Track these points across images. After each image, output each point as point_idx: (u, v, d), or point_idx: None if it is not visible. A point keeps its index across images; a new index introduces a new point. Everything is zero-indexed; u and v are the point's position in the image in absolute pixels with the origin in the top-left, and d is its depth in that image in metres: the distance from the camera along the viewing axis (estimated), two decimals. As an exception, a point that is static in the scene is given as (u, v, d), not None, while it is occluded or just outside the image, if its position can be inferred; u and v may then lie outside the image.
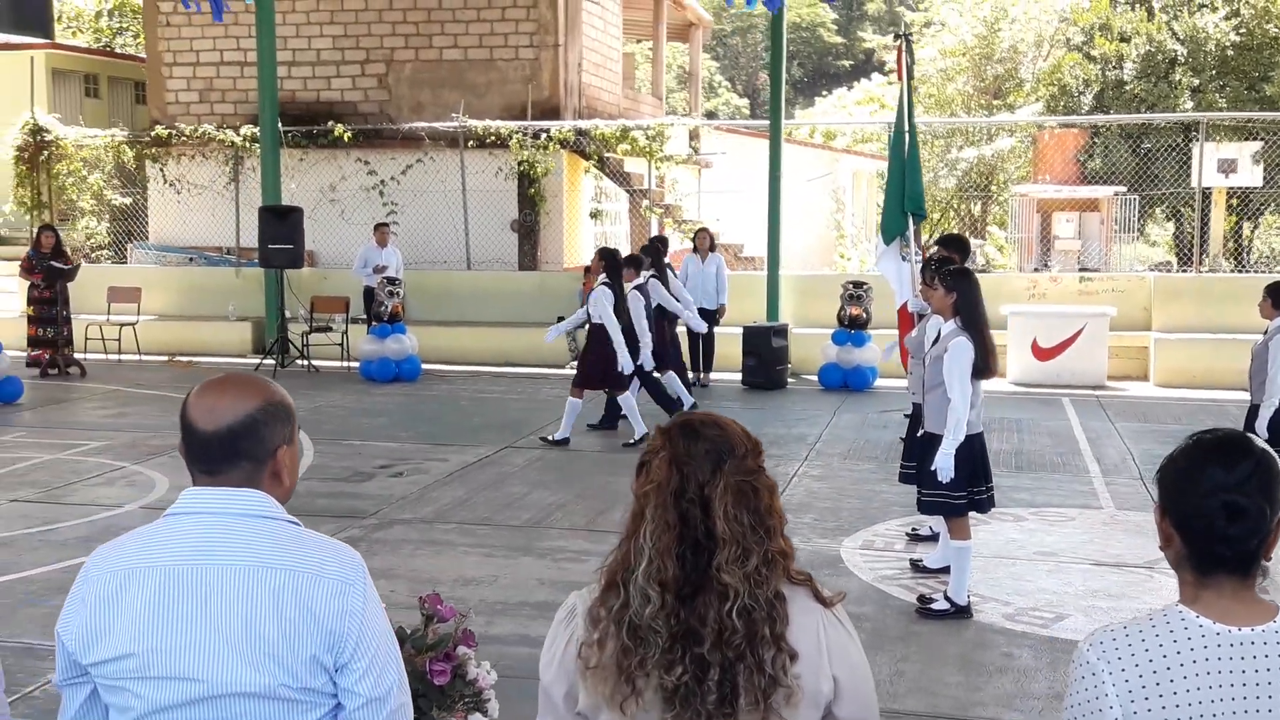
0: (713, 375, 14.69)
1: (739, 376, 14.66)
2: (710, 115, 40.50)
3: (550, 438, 11.14)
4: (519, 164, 17.50)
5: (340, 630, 2.15)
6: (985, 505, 6.53)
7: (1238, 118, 20.08)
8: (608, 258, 11.41)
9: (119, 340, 16.26)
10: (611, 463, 10.43)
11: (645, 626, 2.05)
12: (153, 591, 2.15)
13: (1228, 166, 19.31)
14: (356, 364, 15.20)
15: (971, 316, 6.41)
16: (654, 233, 17.75)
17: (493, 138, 17.45)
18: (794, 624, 2.08)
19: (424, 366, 15.13)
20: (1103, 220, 22.28)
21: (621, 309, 11.07)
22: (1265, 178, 19.88)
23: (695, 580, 2.06)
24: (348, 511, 8.64)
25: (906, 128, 8.87)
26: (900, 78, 9.13)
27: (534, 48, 18.17)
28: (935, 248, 8.86)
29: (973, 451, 6.39)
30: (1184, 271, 17.99)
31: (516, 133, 17.38)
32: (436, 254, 17.64)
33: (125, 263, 18.97)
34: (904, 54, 8.86)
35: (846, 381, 14.29)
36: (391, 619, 2.38)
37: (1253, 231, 25.97)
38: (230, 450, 2.21)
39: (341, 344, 15.73)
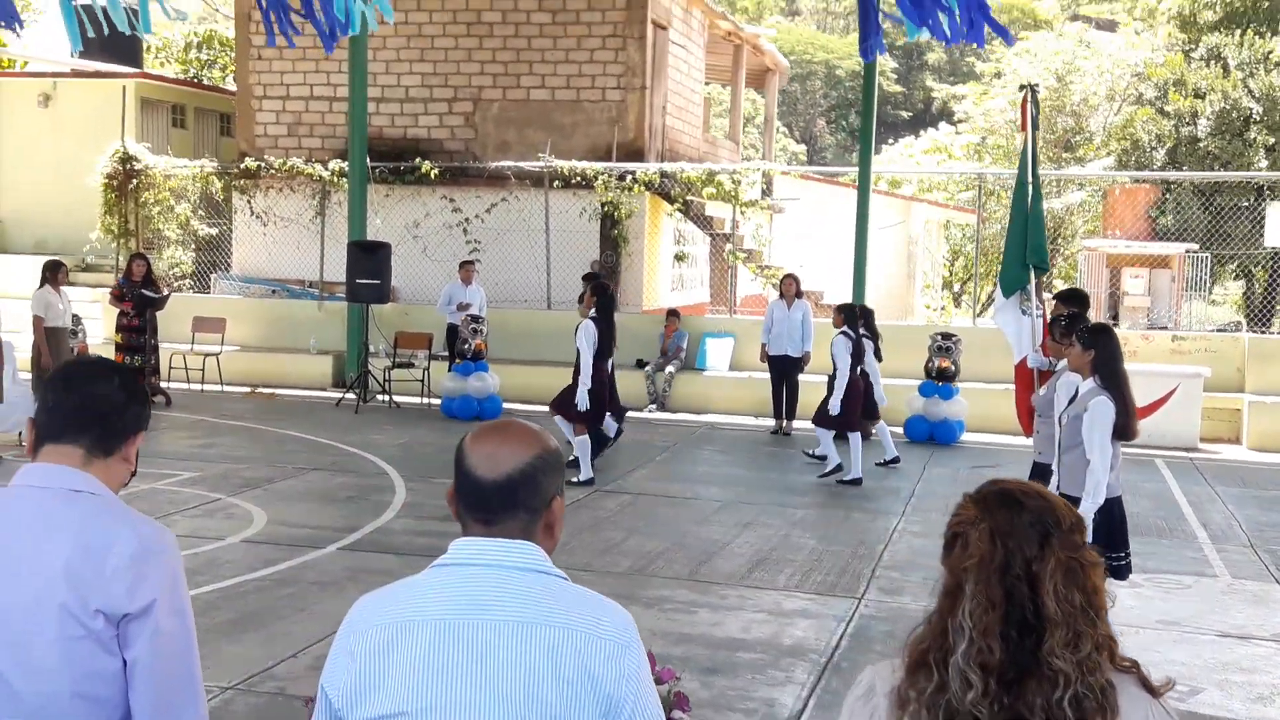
0: (795, 423, 14.53)
1: (823, 426, 14.47)
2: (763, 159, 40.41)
3: (575, 479, 11.00)
4: (603, 205, 17.52)
5: (618, 695, 2.06)
6: (1123, 572, 6.35)
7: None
8: (600, 291, 11.32)
9: (202, 370, 16.37)
10: (702, 511, 10.31)
11: (965, 713, 1.93)
12: (427, 646, 2.07)
13: (1302, 226, 19.08)
14: (437, 401, 15.19)
15: (1111, 374, 6.25)
16: (742, 276, 17.75)
17: (578, 178, 17.48)
18: (1123, 714, 1.96)
19: (504, 405, 15.09)
20: (1174, 277, 21.99)
21: (607, 346, 11.10)
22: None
23: (1020, 664, 1.94)
24: (448, 552, 8.54)
25: (1030, 179, 8.75)
26: (1024, 129, 9.02)
27: (621, 90, 18.22)
28: (1053, 303, 8.70)
29: (1111, 516, 6.21)
30: (1250, 333, 17.66)
31: (602, 174, 17.40)
32: (517, 293, 17.66)
33: (208, 293, 19.14)
34: (1029, 105, 8.77)
35: (933, 434, 14.09)
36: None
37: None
38: (509, 500, 2.15)
39: (423, 380, 15.74)
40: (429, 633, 2.07)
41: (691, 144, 20.97)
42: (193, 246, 19.59)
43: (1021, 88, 9.40)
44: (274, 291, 18.80)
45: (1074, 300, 8.28)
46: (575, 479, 11.06)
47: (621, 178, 17.42)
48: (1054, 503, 2.02)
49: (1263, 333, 17.75)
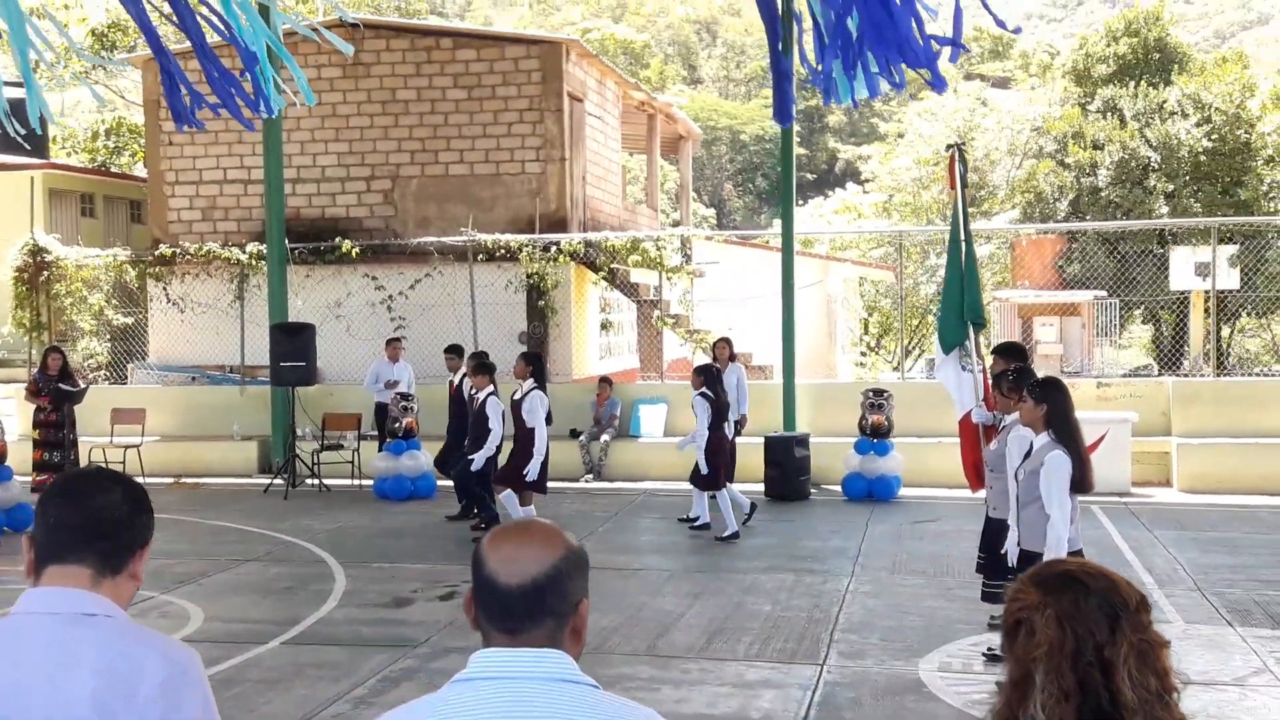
0: (734, 486, 14.42)
1: (761, 487, 14.45)
2: (679, 224, 40.74)
3: None
4: (528, 276, 17.43)
5: None
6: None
7: (1251, 222, 20.36)
8: (535, 362, 11.67)
9: (123, 462, 15.86)
10: (652, 582, 10.16)
11: None
12: None
13: (1204, 270, 19.57)
14: (369, 482, 14.90)
15: (1065, 428, 6.29)
16: (668, 341, 17.70)
17: (502, 251, 17.39)
18: None
19: (439, 483, 14.82)
20: (1084, 324, 22.42)
21: (549, 415, 11.49)
22: (1242, 280, 20.12)
23: None
24: (396, 640, 8.30)
25: (963, 236, 8.85)
26: (953, 187, 9.13)
27: (540, 161, 18.22)
28: (992, 357, 8.76)
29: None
30: (1173, 376, 18.03)
31: (526, 245, 17.33)
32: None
33: (125, 383, 18.66)
34: (956, 164, 8.89)
35: (871, 491, 14.11)
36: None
37: (1230, 334, 26.20)
38: (535, 606, 2.02)
39: (353, 462, 15.43)
40: None
41: (612, 212, 21.03)
42: (108, 336, 19.12)
43: (948, 147, 9.54)
44: (194, 379, 18.39)
45: (1013, 354, 8.32)
46: None
47: (546, 249, 17.37)
48: (1117, 581, 1.95)
49: (1174, 374, 18.09)
